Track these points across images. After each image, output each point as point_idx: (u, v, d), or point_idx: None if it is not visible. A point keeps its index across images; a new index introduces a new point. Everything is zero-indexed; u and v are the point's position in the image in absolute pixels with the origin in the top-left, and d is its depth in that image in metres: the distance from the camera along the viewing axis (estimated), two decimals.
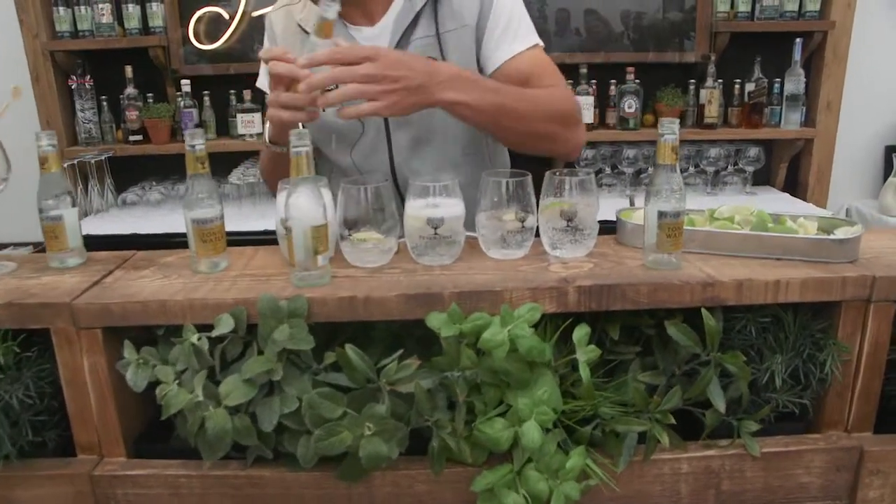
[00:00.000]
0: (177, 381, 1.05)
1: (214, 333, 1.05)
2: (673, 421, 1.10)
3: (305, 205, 1.06)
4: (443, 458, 1.07)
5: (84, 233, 2.02)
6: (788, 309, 1.15)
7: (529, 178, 1.19)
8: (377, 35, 1.45)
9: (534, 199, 1.21)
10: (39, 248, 3.07)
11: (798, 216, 1.28)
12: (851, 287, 1.12)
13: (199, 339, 1.05)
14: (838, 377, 1.15)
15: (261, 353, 1.06)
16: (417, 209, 1.16)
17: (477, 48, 1.45)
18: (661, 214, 1.12)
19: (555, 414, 1.05)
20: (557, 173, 1.20)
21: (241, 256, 1.27)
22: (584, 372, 1.05)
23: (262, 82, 1.57)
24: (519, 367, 1.04)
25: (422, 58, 1.26)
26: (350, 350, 1.03)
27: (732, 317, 1.15)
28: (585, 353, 1.06)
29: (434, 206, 1.16)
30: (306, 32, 1.44)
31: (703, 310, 1.08)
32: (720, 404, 1.10)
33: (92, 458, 1.16)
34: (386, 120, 1.47)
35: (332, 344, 1.16)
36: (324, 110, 1.29)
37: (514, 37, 1.44)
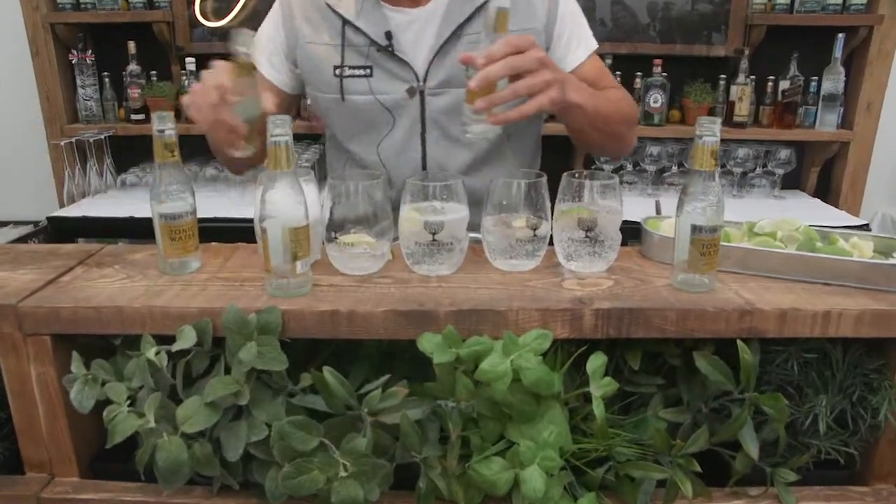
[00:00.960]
0: (129, 402, 0.91)
1: (175, 348, 0.91)
2: (697, 468, 0.96)
3: (283, 203, 0.92)
4: (431, 500, 0.93)
5: (80, 214, 1.88)
6: (837, 343, 1.00)
7: (544, 180, 1.05)
8: (422, 20, 1.32)
9: (549, 204, 1.06)
10: (39, 226, 2.98)
11: (852, 235, 1.12)
12: None
13: (157, 353, 0.91)
14: (893, 424, 1.00)
15: (228, 371, 0.92)
16: (414, 211, 1.02)
17: None
18: (696, 229, 0.97)
19: (562, 458, 0.90)
20: (577, 175, 1.05)
21: (217, 256, 1.14)
22: (599, 409, 0.91)
23: (266, 70, 1.41)
24: (523, 399, 0.90)
25: None
26: (328, 374, 0.89)
27: (772, 349, 1.00)
28: (601, 387, 0.91)
29: (433, 209, 1.01)
30: (334, 12, 1.31)
31: (739, 342, 0.93)
32: (753, 450, 0.95)
33: (41, 478, 1.03)
34: (423, 113, 1.33)
35: (313, 360, 1.02)
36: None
37: (579, 42, 1.39)
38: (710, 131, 0.95)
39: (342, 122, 1.39)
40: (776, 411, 0.94)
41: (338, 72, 1.33)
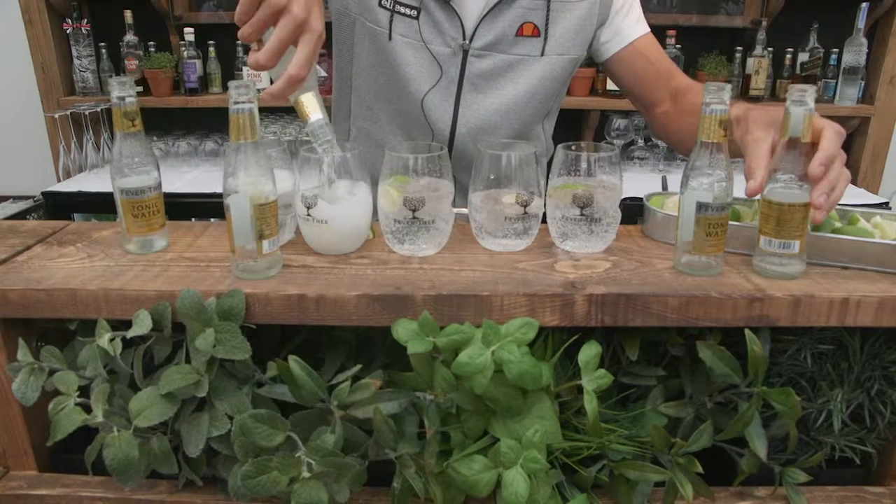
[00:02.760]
0: (79, 393, 0.84)
1: (130, 334, 0.84)
2: (699, 468, 0.87)
3: (247, 178, 0.84)
4: (406, 501, 0.86)
5: (76, 189, 1.80)
6: (855, 333, 0.91)
7: (535, 153, 0.96)
8: None
9: (541, 179, 0.97)
10: (37, 201, 2.92)
11: (874, 214, 1.02)
12: None
13: (111, 339, 0.84)
14: None
15: (191, 359, 0.85)
16: (392, 186, 0.93)
17: (598, 25, 1.30)
18: (701, 207, 0.88)
19: (551, 455, 0.83)
20: (573, 147, 0.96)
21: (188, 233, 1.06)
22: (591, 404, 0.83)
23: None
24: (507, 393, 0.82)
25: None
26: (294, 363, 0.81)
27: (783, 339, 0.91)
28: (593, 380, 0.83)
29: (415, 184, 0.93)
30: None
31: (746, 331, 0.84)
32: (761, 449, 0.87)
33: None
34: (462, 73, 1.26)
35: (285, 347, 0.95)
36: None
37: (638, 18, 1.33)
38: (717, 99, 0.86)
39: (382, 66, 1.28)
40: (787, 407, 0.85)
41: (386, 3, 1.23)
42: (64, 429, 0.80)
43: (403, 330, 0.81)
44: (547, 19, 1.24)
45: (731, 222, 0.93)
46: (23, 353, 0.86)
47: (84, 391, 0.86)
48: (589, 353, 0.84)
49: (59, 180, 2.91)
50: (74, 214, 2.82)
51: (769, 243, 0.89)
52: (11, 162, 3.21)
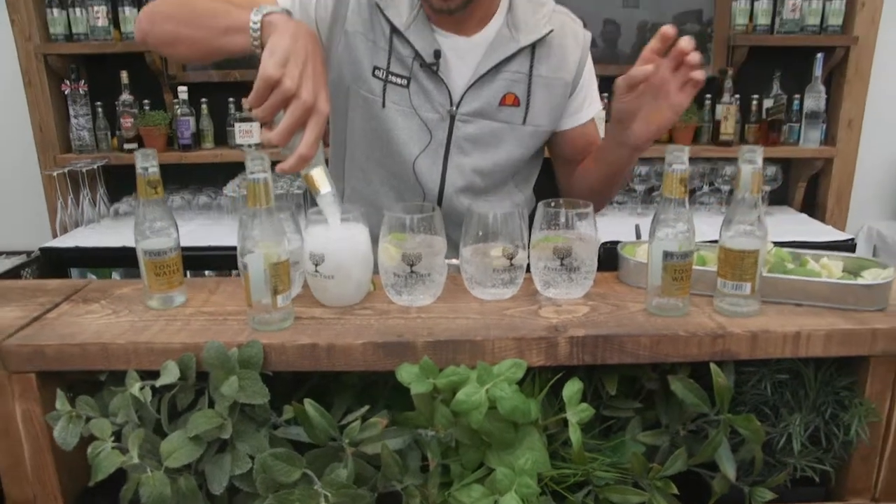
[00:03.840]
0: (115, 438, 0.93)
1: (159, 383, 0.93)
2: (675, 490, 0.97)
3: (263, 239, 0.94)
4: None
5: (73, 244, 1.88)
6: (809, 363, 1.02)
7: (518, 211, 1.07)
8: (466, 49, 1.36)
9: (525, 233, 1.08)
10: (32, 257, 2.99)
11: (822, 255, 1.14)
12: (882, 340, 0.99)
13: (141, 388, 0.93)
14: (865, 440, 1.02)
15: (213, 404, 0.94)
16: (391, 243, 1.04)
17: (564, 105, 1.44)
18: (667, 255, 0.99)
19: (541, 483, 0.92)
20: (552, 204, 1.08)
21: (202, 290, 1.16)
22: (575, 434, 0.92)
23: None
24: (500, 427, 0.92)
25: None
26: (309, 406, 0.90)
27: (746, 370, 1.02)
28: (577, 413, 0.93)
29: (412, 241, 1.03)
30: (383, 15, 1.31)
31: (712, 366, 0.95)
32: (730, 471, 0.97)
33: None
34: (449, 136, 1.37)
35: (297, 391, 1.04)
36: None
37: (592, 101, 1.48)
38: (678, 160, 0.98)
39: (376, 131, 1.38)
40: (751, 432, 0.95)
41: (379, 73, 1.34)
42: (105, 470, 0.89)
43: (406, 373, 0.91)
44: (528, 91, 1.36)
45: (695, 267, 1.04)
46: (61, 403, 0.95)
47: (115, 436, 0.95)
48: (572, 389, 0.94)
49: (54, 236, 2.99)
50: (71, 269, 2.90)
51: (725, 285, 1.01)
52: (7, 218, 3.29)
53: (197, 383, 0.96)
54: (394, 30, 1.32)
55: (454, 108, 1.35)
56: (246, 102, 1.98)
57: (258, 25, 1.10)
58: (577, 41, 1.41)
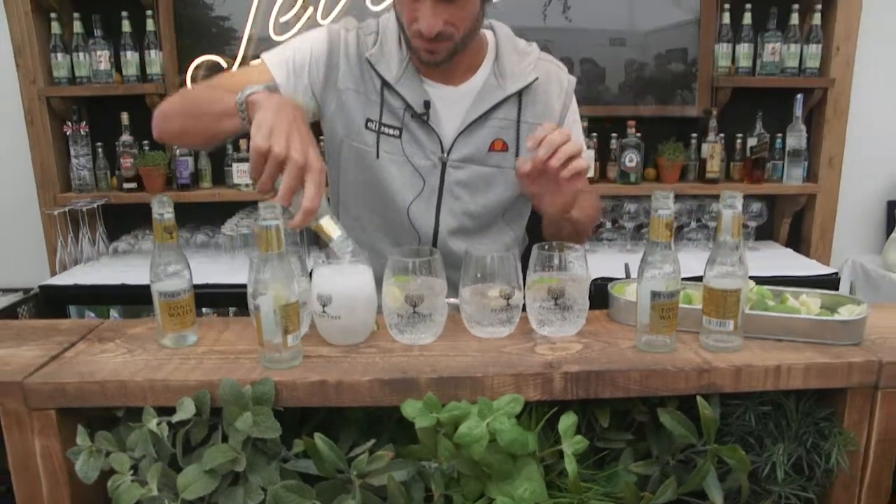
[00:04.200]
0: (132, 471, 0.97)
1: (175, 419, 0.98)
2: None
3: (274, 282, 1.00)
4: None
5: (72, 282, 1.92)
6: (790, 395, 1.08)
7: (515, 253, 1.13)
8: (454, 98, 1.43)
9: (520, 275, 1.14)
10: (29, 294, 3.03)
11: (801, 292, 1.21)
12: (857, 373, 1.05)
13: (158, 423, 0.98)
14: (845, 468, 1.07)
15: (226, 438, 0.99)
16: (395, 286, 1.10)
17: None
18: (655, 295, 1.05)
19: None
20: (545, 247, 1.14)
21: (212, 329, 1.21)
22: (571, 465, 0.98)
23: (272, 60, 1.43)
24: (500, 458, 0.97)
25: None
26: (319, 440, 0.95)
27: (730, 403, 1.08)
28: (572, 445, 0.98)
29: (414, 283, 1.09)
30: (374, 70, 1.40)
31: (698, 399, 1.00)
32: (718, 499, 1.02)
33: None
34: (442, 182, 1.45)
35: (305, 426, 1.09)
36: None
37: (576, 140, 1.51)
38: (664, 205, 1.05)
39: (370, 181, 1.46)
40: (737, 461, 1.01)
41: (372, 125, 1.42)
42: (125, 502, 0.93)
43: (411, 408, 0.96)
44: (517, 137, 1.44)
45: (681, 305, 1.11)
46: (82, 439, 0.99)
47: (132, 470, 0.99)
48: (567, 422, 1.00)
49: (52, 273, 3.03)
50: (70, 306, 2.93)
51: (709, 322, 1.07)
52: (5, 256, 3.32)
53: (210, 419, 1.01)
54: (385, 83, 1.40)
55: (445, 155, 1.42)
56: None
57: (244, 106, 1.21)
58: (562, 87, 1.49)
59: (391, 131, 1.41)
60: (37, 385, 1.02)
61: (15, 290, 3.12)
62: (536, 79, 1.43)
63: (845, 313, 1.15)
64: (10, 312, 2.92)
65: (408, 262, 1.09)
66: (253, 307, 1.04)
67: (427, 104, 1.40)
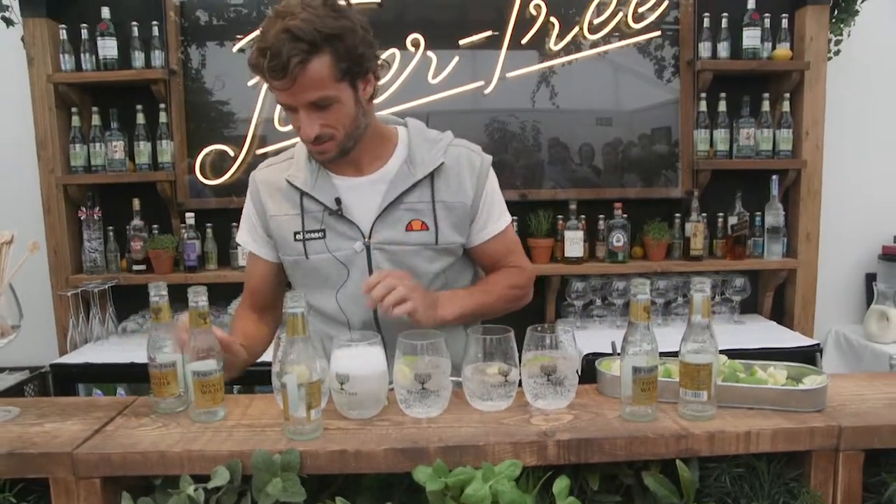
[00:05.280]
0: None
1: (210, 485, 1.09)
2: None
3: (299, 363, 1.13)
4: None
5: (82, 360, 2.02)
6: (762, 458, 1.20)
7: (511, 334, 1.27)
8: (367, 186, 1.57)
9: (517, 353, 1.28)
10: (35, 372, 3.11)
11: (769, 364, 1.34)
12: (819, 437, 1.17)
13: (195, 490, 1.09)
14: None
15: (254, 503, 1.10)
16: (405, 365, 1.23)
17: (470, 221, 1.61)
18: (636, 370, 1.19)
19: None
20: (539, 329, 1.28)
21: (238, 405, 1.33)
22: None
23: (244, 238, 1.68)
24: None
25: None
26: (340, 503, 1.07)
27: (707, 466, 1.20)
28: None
29: (422, 362, 1.23)
30: (293, 186, 1.56)
31: (677, 461, 1.13)
32: None
33: None
34: (370, 264, 1.57)
35: (324, 492, 1.20)
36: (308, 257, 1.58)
37: (498, 216, 1.65)
38: (642, 291, 1.19)
39: (305, 278, 1.62)
40: None
41: (298, 236, 1.57)
42: None
43: (422, 474, 1.08)
44: (434, 216, 1.57)
45: (661, 378, 1.24)
46: None
47: None
48: (561, 485, 1.11)
49: (61, 352, 3.12)
50: (79, 384, 3.02)
51: (686, 394, 1.20)
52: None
53: (239, 486, 1.13)
54: (303, 194, 1.57)
55: (367, 239, 1.56)
56: None
57: None
58: (473, 168, 1.61)
59: (315, 234, 1.57)
60: (84, 455, 1.13)
61: (21, 369, 3.19)
62: (443, 163, 1.57)
63: (808, 383, 1.28)
64: (16, 390, 2.98)
65: (416, 343, 1.23)
66: (279, 385, 1.17)
67: (338, 200, 1.55)
